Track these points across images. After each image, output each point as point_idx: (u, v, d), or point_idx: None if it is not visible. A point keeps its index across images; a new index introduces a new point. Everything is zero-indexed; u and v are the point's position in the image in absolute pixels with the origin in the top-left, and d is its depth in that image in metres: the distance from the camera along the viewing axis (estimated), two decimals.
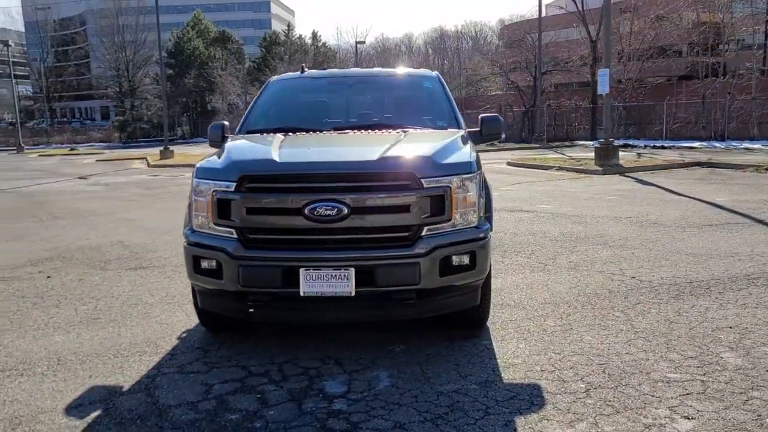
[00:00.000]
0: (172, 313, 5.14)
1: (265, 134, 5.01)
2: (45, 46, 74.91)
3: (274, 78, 6.23)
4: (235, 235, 3.94)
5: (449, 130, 5.14)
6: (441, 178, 3.97)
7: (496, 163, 23.02)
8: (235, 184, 3.92)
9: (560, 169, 19.05)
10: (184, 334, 4.66)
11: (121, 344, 4.47)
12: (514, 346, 4.33)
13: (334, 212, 3.77)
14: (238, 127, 5.41)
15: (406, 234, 3.89)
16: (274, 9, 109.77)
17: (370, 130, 5.01)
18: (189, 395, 3.60)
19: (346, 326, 4.65)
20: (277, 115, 5.54)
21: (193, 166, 4.40)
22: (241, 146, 4.62)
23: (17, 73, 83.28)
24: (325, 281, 3.82)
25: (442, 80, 5.81)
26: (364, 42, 56.34)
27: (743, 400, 3.43)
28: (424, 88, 5.81)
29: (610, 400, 3.46)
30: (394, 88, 6.00)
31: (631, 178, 16.19)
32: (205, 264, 4.05)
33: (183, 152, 33.91)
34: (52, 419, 3.33)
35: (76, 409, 3.45)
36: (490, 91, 52.04)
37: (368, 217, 3.85)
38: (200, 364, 4.08)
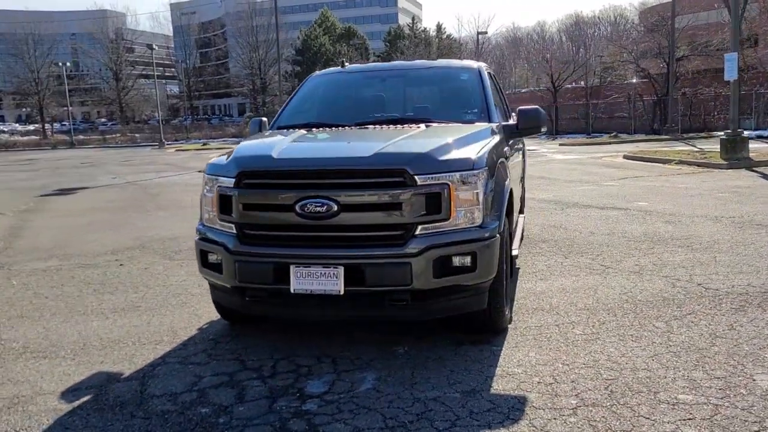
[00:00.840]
0: (206, 304, 5.31)
1: (290, 130, 5.04)
2: (188, 49, 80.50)
3: (316, 73, 6.27)
4: (234, 231, 4.01)
5: (476, 123, 4.91)
6: (438, 175, 3.80)
7: (611, 156, 21.89)
8: (234, 179, 3.99)
9: (680, 162, 17.71)
10: (206, 325, 4.81)
11: (145, 332, 4.69)
12: (524, 354, 4.07)
13: (324, 209, 3.73)
14: (271, 123, 5.50)
15: (399, 233, 3.77)
16: (402, 3, 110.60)
17: (393, 125, 4.90)
18: (176, 386, 3.71)
19: (355, 325, 4.60)
20: (307, 111, 5.58)
21: None
22: (251, 143, 4.69)
23: (166, 74, 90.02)
24: (315, 279, 3.79)
25: (483, 72, 5.56)
26: (486, 32, 55.37)
27: (753, 431, 3.00)
28: (459, 80, 5.60)
29: (595, 421, 3.15)
30: (427, 81, 5.84)
31: (759, 173, 14.76)
32: (212, 258, 4.16)
33: None
34: (45, 401, 3.56)
35: (71, 393, 3.66)
36: (626, 79, 49.32)
37: (359, 215, 3.77)
38: (204, 356, 4.19)
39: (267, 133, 5.11)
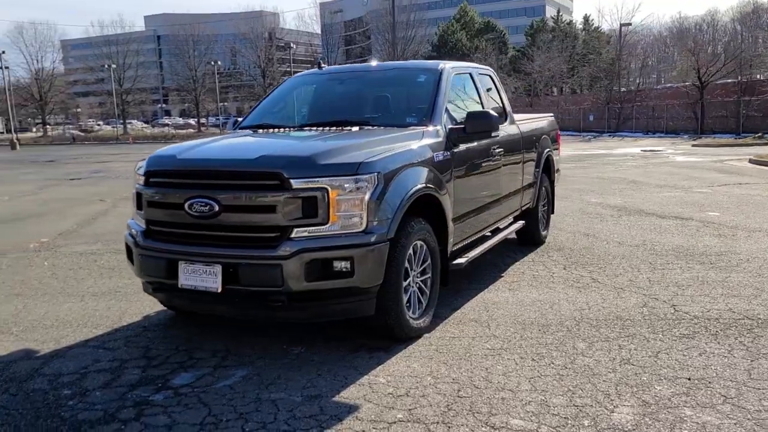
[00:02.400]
0: None
1: (241, 131, 5.33)
2: (330, 46, 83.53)
3: (295, 75, 6.46)
4: (144, 227, 4.33)
5: (410, 127, 4.85)
6: (316, 179, 3.86)
7: (738, 159, 20.03)
8: (144, 178, 4.31)
9: None
10: (153, 314, 5.16)
11: (97, 316, 5.14)
12: (407, 365, 4.01)
13: (207, 209, 3.93)
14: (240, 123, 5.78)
15: (274, 235, 3.88)
16: None
17: (332, 127, 5.00)
18: (69, 367, 4.07)
19: (282, 323, 4.72)
20: (267, 112, 5.80)
21: None
22: (180, 144, 4.94)
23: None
24: (198, 276, 4.00)
25: (444, 75, 5.39)
26: (629, 24, 52.24)
27: None
28: (415, 83, 5.51)
29: None
30: (384, 83, 5.80)
31: None
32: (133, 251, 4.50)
33: None
34: None
35: None
36: None
37: (237, 216, 3.93)
38: (121, 342, 4.54)
39: (218, 133, 5.40)
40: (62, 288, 6.07)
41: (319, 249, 3.85)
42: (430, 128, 4.87)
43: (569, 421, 3.21)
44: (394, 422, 3.25)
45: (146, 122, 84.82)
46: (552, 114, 8.90)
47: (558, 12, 78.70)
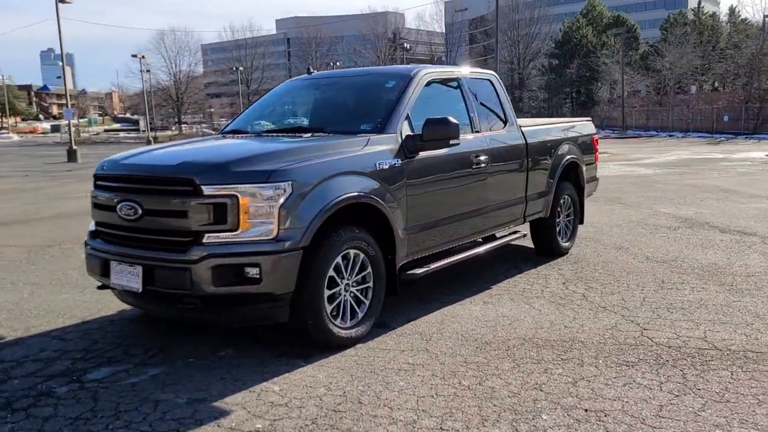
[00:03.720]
0: None
1: (214, 136, 5.54)
2: (449, 45, 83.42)
3: (288, 80, 6.56)
4: (93, 227, 4.64)
5: (360, 135, 4.79)
6: (227, 186, 3.96)
7: None
8: (93, 181, 4.63)
9: None
10: (129, 308, 5.47)
11: (79, 307, 5.51)
12: (312, 374, 4.00)
13: (132, 212, 4.16)
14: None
15: (187, 239, 4.02)
16: None
17: (289, 134, 5.10)
18: (15, 355, 4.42)
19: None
20: (247, 117, 5.95)
21: None
22: (135, 149, 5.18)
23: None
24: (124, 276, 4.23)
25: (414, 80, 5.23)
26: None
27: None
28: (383, 89, 5.38)
29: None
30: (355, 89, 5.73)
31: None
32: None
33: None
34: None
35: None
36: None
37: (155, 220, 4.12)
38: (78, 334, 4.85)
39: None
40: (75, 280, 6.58)
41: (227, 255, 3.94)
42: (382, 135, 4.79)
43: None
44: (256, 430, 3.28)
45: None
46: (589, 119, 8.42)
47: (699, 3, 73.35)
